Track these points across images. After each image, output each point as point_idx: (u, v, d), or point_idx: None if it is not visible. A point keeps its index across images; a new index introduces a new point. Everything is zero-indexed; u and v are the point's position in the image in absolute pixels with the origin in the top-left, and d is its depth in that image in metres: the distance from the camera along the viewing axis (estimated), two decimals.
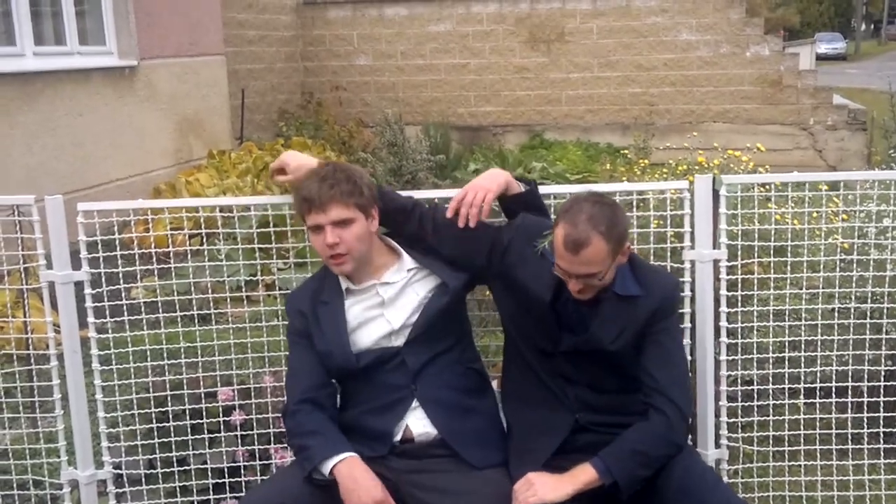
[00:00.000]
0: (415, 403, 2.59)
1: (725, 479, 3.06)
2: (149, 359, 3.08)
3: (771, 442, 3.14)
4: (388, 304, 2.64)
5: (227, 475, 3.10)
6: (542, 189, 3.14)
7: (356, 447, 2.53)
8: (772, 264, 3.10)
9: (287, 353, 2.79)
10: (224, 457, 3.12)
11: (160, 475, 3.09)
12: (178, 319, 3.09)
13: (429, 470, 2.52)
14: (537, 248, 2.58)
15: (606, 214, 2.45)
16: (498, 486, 2.50)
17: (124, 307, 3.03)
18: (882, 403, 3.10)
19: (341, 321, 2.62)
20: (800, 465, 3.13)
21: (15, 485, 3.13)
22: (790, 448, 3.12)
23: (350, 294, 2.66)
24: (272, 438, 3.10)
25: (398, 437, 2.58)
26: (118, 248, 3.01)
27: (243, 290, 3.29)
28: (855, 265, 3.10)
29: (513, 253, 2.65)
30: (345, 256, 2.55)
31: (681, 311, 2.88)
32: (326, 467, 2.45)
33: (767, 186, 3.29)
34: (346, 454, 2.47)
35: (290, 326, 2.72)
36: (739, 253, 3.01)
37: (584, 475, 2.42)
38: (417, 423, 2.58)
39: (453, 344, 2.68)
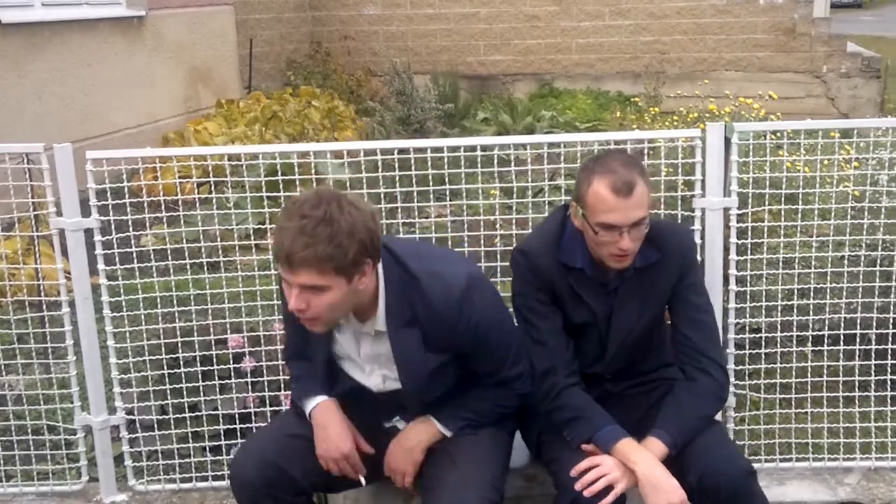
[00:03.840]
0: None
1: (732, 425, 3.08)
2: (159, 306, 3.09)
3: (778, 389, 3.14)
4: (368, 360, 2.42)
5: (238, 421, 3.14)
6: (553, 138, 3.12)
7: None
8: (782, 212, 3.09)
9: None
10: (235, 403, 3.16)
11: (172, 421, 3.13)
12: (188, 267, 3.11)
13: None
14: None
15: (635, 158, 2.41)
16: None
17: (134, 255, 3.05)
18: (890, 351, 3.10)
19: (323, 349, 2.43)
20: (806, 412, 3.14)
21: (30, 429, 3.18)
22: (797, 395, 3.14)
23: (339, 328, 2.41)
24: (282, 385, 3.13)
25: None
26: (127, 196, 3.02)
27: (252, 238, 3.29)
28: (866, 212, 3.08)
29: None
30: (313, 321, 2.21)
31: None
32: (307, 409, 2.47)
33: (779, 134, 3.25)
34: (319, 399, 2.45)
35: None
36: (750, 201, 2.99)
37: (654, 453, 2.36)
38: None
39: (451, 386, 2.46)
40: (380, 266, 2.28)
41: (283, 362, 2.75)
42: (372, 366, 2.42)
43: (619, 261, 2.41)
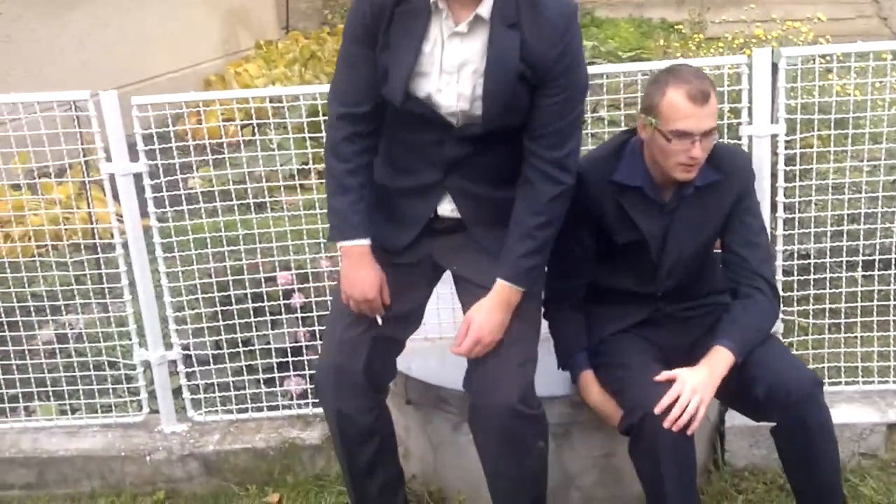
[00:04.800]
0: (446, 196, 2.41)
1: None
2: (209, 246, 3.16)
3: (827, 314, 3.12)
4: (449, 71, 2.24)
5: (289, 355, 3.22)
6: (595, 69, 3.06)
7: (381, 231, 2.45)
8: (832, 137, 3.03)
9: None
10: (286, 337, 3.23)
11: (227, 355, 3.22)
12: (235, 208, 3.16)
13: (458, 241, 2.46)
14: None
15: (703, 71, 2.45)
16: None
17: (182, 197, 3.10)
18: None
19: (412, 51, 2.22)
20: (855, 337, 3.13)
21: (91, 365, 3.28)
22: (846, 320, 3.11)
23: (427, 33, 2.23)
24: None
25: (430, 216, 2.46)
26: (173, 140, 3.06)
27: (296, 178, 3.32)
28: None
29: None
30: None
31: None
32: (341, 243, 2.41)
33: (828, 58, 3.18)
34: (357, 242, 2.39)
35: (356, 17, 2.26)
36: (798, 127, 2.93)
37: (723, 363, 2.38)
38: (445, 208, 2.43)
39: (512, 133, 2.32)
40: None
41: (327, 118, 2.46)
42: (451, 78, 2.25)
43: (687, 171, 2.41)
